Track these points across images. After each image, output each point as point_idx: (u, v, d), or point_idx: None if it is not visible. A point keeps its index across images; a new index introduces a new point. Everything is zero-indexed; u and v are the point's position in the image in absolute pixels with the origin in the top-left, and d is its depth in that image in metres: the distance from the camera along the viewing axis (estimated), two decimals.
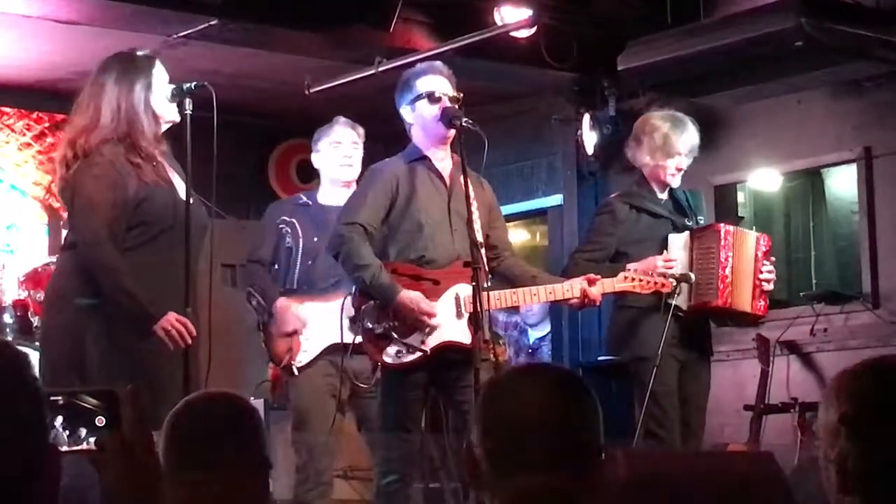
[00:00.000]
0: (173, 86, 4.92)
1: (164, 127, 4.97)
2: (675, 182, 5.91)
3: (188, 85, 4.88)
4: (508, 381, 2.31)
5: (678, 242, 5.79)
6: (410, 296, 5.11)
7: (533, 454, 2.18)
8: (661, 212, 5.88)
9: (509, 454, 2.19)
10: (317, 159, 6.20)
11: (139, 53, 5.00)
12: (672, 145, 5.84)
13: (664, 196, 5.93)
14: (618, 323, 5.92)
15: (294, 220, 6.05)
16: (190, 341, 4.68)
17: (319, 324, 5.81)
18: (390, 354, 5.15)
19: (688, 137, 5.88)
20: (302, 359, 5.86)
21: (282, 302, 5.93)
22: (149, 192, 4.79)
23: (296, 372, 5.87)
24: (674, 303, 5.63)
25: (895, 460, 2.05)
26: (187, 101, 4.88)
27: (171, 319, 4.67)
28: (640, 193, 5.92)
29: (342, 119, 6.16)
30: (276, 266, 6.08)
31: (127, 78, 4.89)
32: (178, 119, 4.94)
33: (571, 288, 5.33)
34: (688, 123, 5.91)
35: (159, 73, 4.96)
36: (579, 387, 2.28)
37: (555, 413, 2.21)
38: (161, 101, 4.92)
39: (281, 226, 6.08)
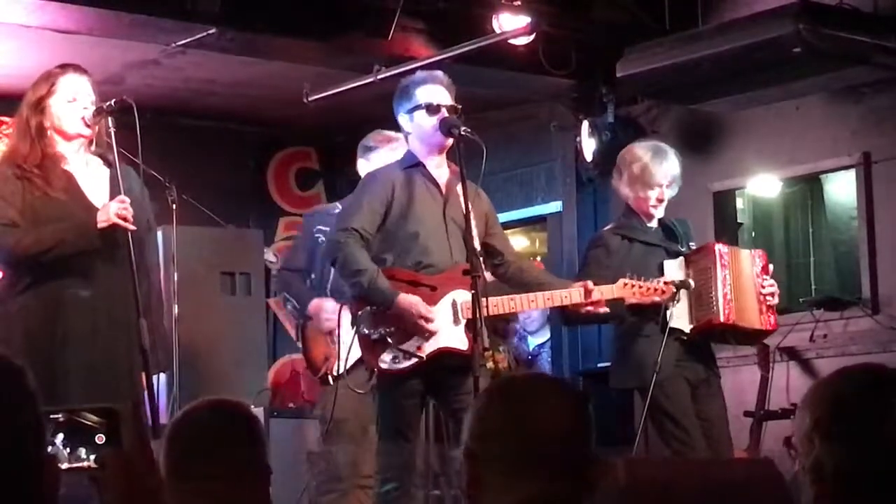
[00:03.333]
0: (94, 108, 4.91)
1: (72, 142, 4.95)
2: (659, 213, 5.89)
3: (108, 104, 4.87)
4: (511, 390, 2.31)
5: (673, 267, 5.76)
6: (409, 299, 5.11)
7: (536, 462, 2.18)
8: (653, 240, 5.86)
9: (513, 462, 2.19)
10: (365, 168, 6.11)
11: (53, 69, 5.00)
12: (651, 176, 5.80)
13: (653, 225, 5.92)
14: (619, 352, 5.91)
15: (329, 229, 6.03)
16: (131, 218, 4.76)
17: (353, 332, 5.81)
18: (386, 361, 5.15)
19: (667, 168, 5.82)
20: (339, 367, 5.85)
21: (316, 302, 5.96)
22: (39, 206, 4.83)
23: (331, 381, 5.87)
24: (675, 325, 5.61)
25: (867, 464, 2.06)
26: (110, 119, 4.85)
27: (110, 210, 4.76)
28: (630, 224, 5.90)
29: (403, 139, 6.08)
30: (313, 275, 6.09)
31: (26, 98, 4.96)
32: (86, 132, 4.93)
33: (570, 294, 5.33)
34: (668, 154, 5.86)
35: (66, 87, 4.95)
36: (579, 396, 2.30)
37: (560, 421, 2.22)
38: (63, 116, 4.92)
39: (317, 235, 6.08)
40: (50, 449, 1.92)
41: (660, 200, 5.84)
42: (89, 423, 1.99)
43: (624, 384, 5.92)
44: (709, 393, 5.82)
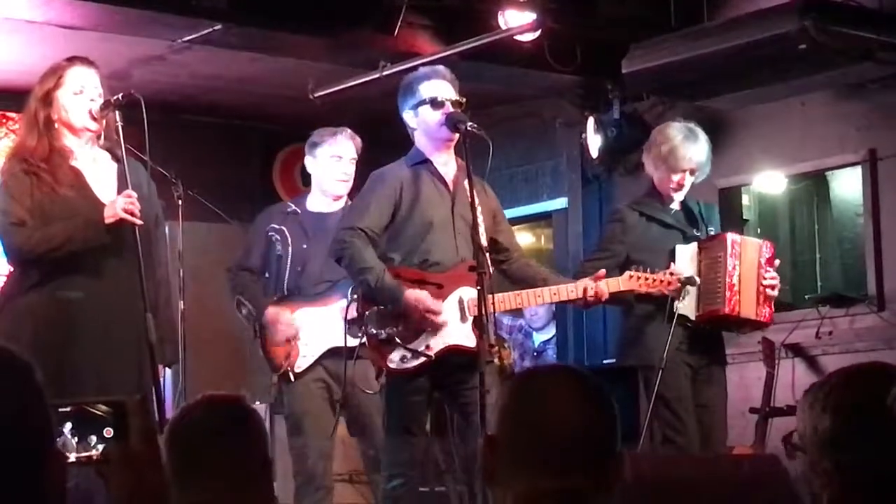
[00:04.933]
0: (101, 101, 4.90)
1: (79, 136, 4.94)
2: (679, 196, 5.89)
3: (116, 97, 4.86)
4: (537, 381, 2.30)
5: (685, 253, 5.78)
6: (416, 294, 5.12)
7: (558, 455, 2.18)
8: (671, 222, 5.86)
9: (533, 453, 2.19)
10: (312, 164, 6.14)
11: (60, 62, 4.98)
12: (676, 161, 5.81)
13: (675, 207, 5.92)
14: (625, 331, 5.92)
15: (283, 228, 6.03)
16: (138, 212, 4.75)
17: (315, 329, 5.82)
18: (394, 360, 5.15)
19: (693, 153, 5.82)
20: (301, 364, 5.86)
21: (271, 311, 5.92)
22: (46, 203, 4.84)
23: (293, 378, 5.86)
24: (681, 312, 5.62)
25: (883, 468, 2.04)
26: (117, 113, 4.84)
27: (117, 205, 4.77)
28: (651, 203, 5.91)
29: (347, 131, 6.08)
30: (267, 275, 6.07)
31: (34, 91, 4.96)
32: (92, 126, 4.91)
33: (576, 288, 5.34)
34: (699, 139, 5.86)
35: (73, 79, 4.93)
36: (604, 390, 2.30)
37: (584, 416, 2.22)
38: (70, 108, 4.91)
39: (270, 234, 6.06)
40: (58, 438, 1.92)
41: (680, 185, 5.85)
42: (98, 412, 1.99)
43: (626, 361, 5.93)
44: (709, 379, 5.83)
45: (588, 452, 2.19)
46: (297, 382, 5.85)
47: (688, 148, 5.81)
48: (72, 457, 1.96)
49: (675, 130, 5.87)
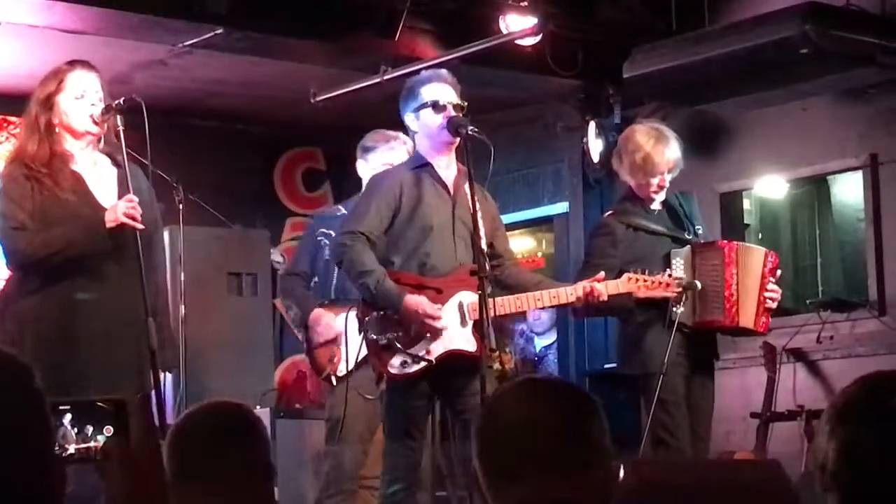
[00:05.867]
0: (102, 105, 4.89)
1: (80, 140, 4.93)
2: (661, 197, 5.88)
3: (117, 102, 4.85)
4: (500, 400, 2.31)
5: (680, 258, 5.75)
6: (416, 299, 5.12)
7: (537, 466, 2.18)
8: (658, 229, 5.83)
9: (504, 469, 2.20)
10: (364, 169, 6.09)
11: (61, 66, 4.98)
12: (653, 165, 5.78)
13: (657, 207, 5.89)
14: (625, 338, 5.90)
15: (332, 232, 6.02)
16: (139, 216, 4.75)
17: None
18: (395, 365, 5.14)
19: (669, 155, 5.78)
20: (342, 368, 5.87)
21: (316, 313, 5.97)
22: (47, 207, 4.83)
23: (334, 382, 5.88)
24: (678, 319, 5.60)
25: (865, 457, 2.08)
26: (118, 118, 4.84)
27: (119, 210, 4.76)
28: (633, 210, 5.87)
29: (401, 137, 5.97)
30: (317, 279, 6.10)
31: (35, 95, 4.95)
32: (94, 130, 4.91)
33: (575, 291, 5.33)
34: (670, 140, 5.83)
35: (75, 83, 4.93)
36: (575, 395, 2.29)
37: (549, 424, 2.22)
38: (71, 112, 4.90)
39: (319, 238, 6.09)
40: (59, 430, 1.93)
41: (661, 187, 5.83)
42: (97, 402, 1.99)
43: (627, 369, 5.92)
44: (701, 381, 5.81)
45: (569, 460, 2.19)
46: (341, 386, 5.85)
47: (661, 151, 5.78)
48: (71, 448, 1.96)
49: (644, 136, 5.84)
